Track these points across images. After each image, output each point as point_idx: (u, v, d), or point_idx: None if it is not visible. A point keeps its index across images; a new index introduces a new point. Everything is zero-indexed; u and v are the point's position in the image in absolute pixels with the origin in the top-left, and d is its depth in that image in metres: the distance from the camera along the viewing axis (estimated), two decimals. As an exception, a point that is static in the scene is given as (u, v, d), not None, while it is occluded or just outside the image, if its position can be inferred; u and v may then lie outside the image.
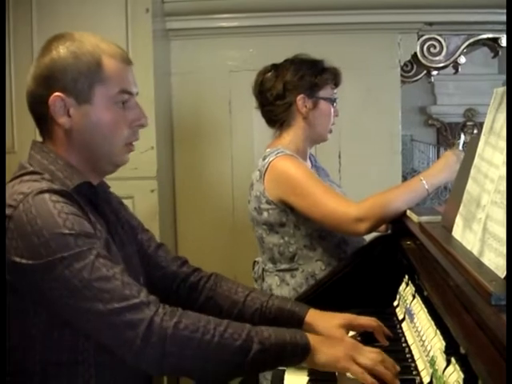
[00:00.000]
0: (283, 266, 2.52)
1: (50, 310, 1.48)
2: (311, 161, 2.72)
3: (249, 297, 1.86)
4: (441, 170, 2.32)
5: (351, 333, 1.85)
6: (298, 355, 1.52)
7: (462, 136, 2.41)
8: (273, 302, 1.85)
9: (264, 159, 2.48)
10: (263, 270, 2.59)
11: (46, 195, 1.48)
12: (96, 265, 1.44)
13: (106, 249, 1.56)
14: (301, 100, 2.52)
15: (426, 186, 2.28)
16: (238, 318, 1.84)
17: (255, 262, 2.70)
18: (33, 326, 1.49)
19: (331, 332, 1.77)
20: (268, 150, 2.53)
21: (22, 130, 3.45)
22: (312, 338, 1.54)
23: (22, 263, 1.43)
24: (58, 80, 1.59)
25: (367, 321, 1.82)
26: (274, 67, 2.59)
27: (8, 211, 1.47)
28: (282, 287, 2.51)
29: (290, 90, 2.53)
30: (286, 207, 2.44)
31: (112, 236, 1.67)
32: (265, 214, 2.49)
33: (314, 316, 1.83)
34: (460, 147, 2.34)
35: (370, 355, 1.52)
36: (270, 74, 2.59)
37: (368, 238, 2.44)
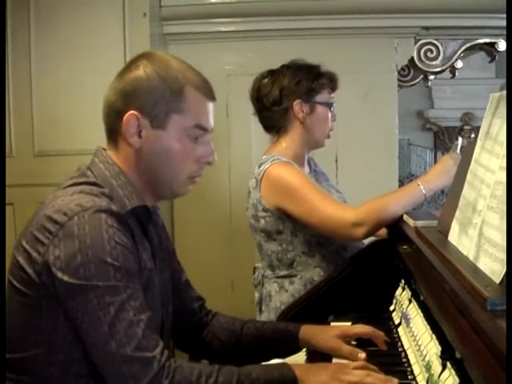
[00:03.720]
0: (282, 273, 2.52)
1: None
2: (310, 165, 2.72)
3: (245, 326, 1.88)
4: (438, 174, 2.32)
5: None
6: None
7: (460, 139, 2.40)
8: (267, 326, 1.89)
9: (260, 166, 2.48)
10: (263, 276, 2.59)
11: (103, 216, 1.46)
12: (126, 305, 1.42)
13: (148, 279, 1.56)
14: (297, 105, 2.52)
15: (424, 191, 2.28)
16: (236, 346, 1.88)
17: (255, 267, 2.70)
18: (61, 335, 1.48)
19: (328, 343, 1.78)
20: (264, 156, 2.53)
21: (20, 134, 3.46)
22: (298, 370, 1.53)
23: (57, 275, 1.42)
24: (139, 99, 1.57)
25: (362, 328, 1.82)
26: (271, 73, 2.59)
27: (61, 218, 1.45)
28: (281, 294, 2.51)
29: (287, 95, 2.53)
30: (282, 214, 2.44)
31: (154, 261, 1.66)
32: (262, 221, 2.49)
33: (308, 331, 1.84)
34: (457, 150, 2.33)
35: (355, 371, 1.52)
36: (266, 79, 2.59)
37: (367, 241, 2.44)
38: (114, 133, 1.63)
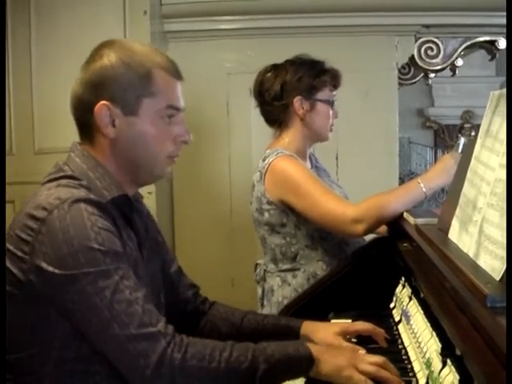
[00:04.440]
0: (285, 267, 2.53)
1: (71, 324, 1.47)
2: (311, 161, 2.73)
3: (245, 318, 1.87)
4: (439, 173, 2.32)
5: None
6: (303, 367, 1.52)
7: (462, 139, 2.40)
8: (268, 320, 1.87)
9: (264, 160, 2.49)
10: (265, 271, 2.60)
11: (83, 205, 1.46)
12: (120, 286, 1.43)
13: (134, 268, 1.55)
14: (298, 102, 2.53)
15: (424, 189, 2.28)
16: (236, 339, 1.86)
17: (257, 264, 2.71)
18: (52, 334, 1.48)
19: (328, 340, 1.78)
20: (268, 151, 2.53)
21: (20, 132, 3.47)
22: (314, 349, 1.53)
23: (48, 270, 1.42)
24: (107, 88, 1.57)
25: (362, 326, 1.82)
26: (274, 67, 2.60)
27: (41, 214, 1.45)
28: (284, 288, 2.51)
29: (288, 91, 2.53)
30: (286, 207, 2.45)
31: (141, 251, 1.66)
32: (266, 214, 2.49)
33: (309, 327, 1.83)
34: (459, 150, 2.33)
35: (372, 360, 1.52)
36: (269, 74, 2.59)
37: (368, 238, 2.44)
38: (86, 126, 1.62)
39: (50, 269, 1.42)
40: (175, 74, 1.65)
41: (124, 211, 1.63)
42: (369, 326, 1.81)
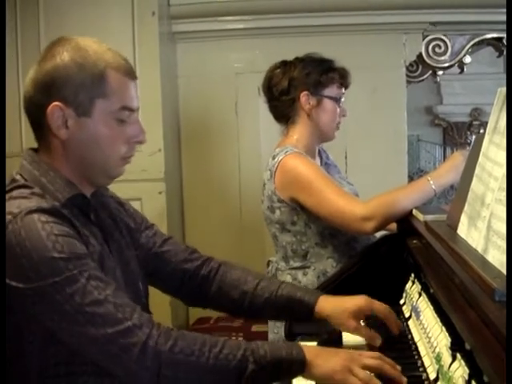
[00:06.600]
0: (296, 264, 2.54)
1: (44, 329, 1.46)
2: (321, 157, 2.74)
3: (258, 286, 1.85)
4: (448, 170, 2.32)
5: None
6: (294, 371, 1.51)
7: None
8: (282, 292, 1.84)
9: (274, 158, 2.50)
10: (276, 268, 2.61)
11: (35, 216, 1.44)
12: (88, 288, 1.42)
13: (100, 263, 1.53)
14: (304, 97, 2.54)
15: (434, 187, 2.28)
16: (249, 308, 1.86)
17: (269, 261, 2.72)
18: (28, 343, 1.48)
19: (345, 325, 1.77)
20: (277, 149, 2.54)
21: (31, 133, 3.48)
22: (308, 352, 1.52)
23: (11, 285, 1.42)
24: (59, 89, 1.53)
25: (381, 307, 1.80)
26: (283, 64, 2.62)
27: None
28: (294, 285, 2.52)
29: (295, 86, 2.55)
30: (296, 205, 2.46)
31: (108, 243, 1.64)
32: (277, 212, 2.51)
33: (324, 304, 1.81)
34: None
35: (369, 361, 1.52)
36: (278, 70, 2.61)
37: (378, 235, 2.45)
38: (40, 127, 1.60)
39: (14, 284, 1.41)
40: (129, 73, 1.61)
41: (82, 209, 1.60)
42: (385, 308, 1.80)
